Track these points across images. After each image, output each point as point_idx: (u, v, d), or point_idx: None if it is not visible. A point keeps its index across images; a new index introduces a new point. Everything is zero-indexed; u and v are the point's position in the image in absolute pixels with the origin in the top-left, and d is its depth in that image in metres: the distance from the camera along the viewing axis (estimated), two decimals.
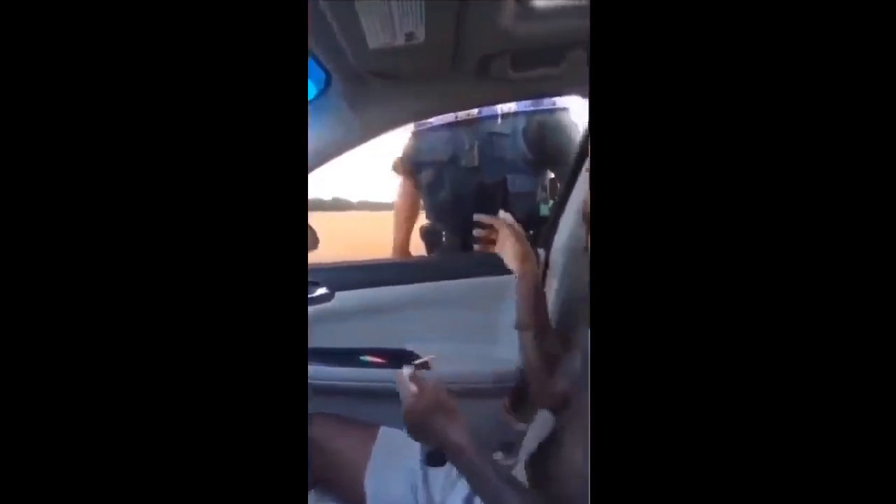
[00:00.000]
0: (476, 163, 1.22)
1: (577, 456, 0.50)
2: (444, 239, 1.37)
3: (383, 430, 0.81)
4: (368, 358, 1.02)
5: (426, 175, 1.32)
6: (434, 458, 0.60)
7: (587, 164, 1.01)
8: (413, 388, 0.60)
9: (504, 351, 1.00)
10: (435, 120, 1.24)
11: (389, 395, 1.04)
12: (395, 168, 1.38)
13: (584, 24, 0.64)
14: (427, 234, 1.41)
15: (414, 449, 0.78)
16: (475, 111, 1.21)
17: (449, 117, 1.22)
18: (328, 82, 0.72)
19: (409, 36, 0.59)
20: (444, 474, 0.74)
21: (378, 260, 1.20)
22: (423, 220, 1.42)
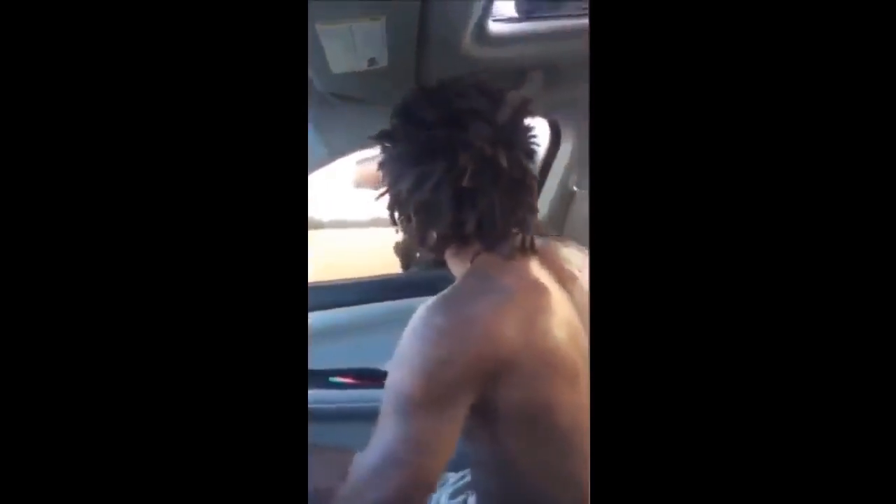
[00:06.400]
0: None
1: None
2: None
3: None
4: (338, 378, 1.00)
5: None
6: None
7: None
8: None
9: None
10: None
11: (362, 418, 1.02)
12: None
13: (541, 48, 0.67)
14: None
15: None
16: None
17: None
18: None
19: (372, 61, 0.60)
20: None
21: (350, 279, 1.19)
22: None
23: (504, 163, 0.52)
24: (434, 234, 0.58)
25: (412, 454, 0.46)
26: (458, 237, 0.57)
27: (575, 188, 1.04)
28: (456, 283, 0.55)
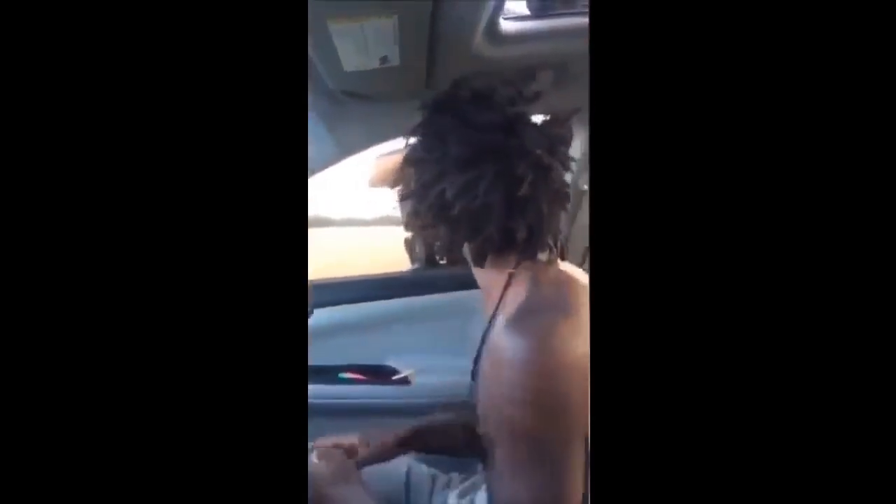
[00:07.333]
0: None
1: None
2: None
3: None
4: (347, 375, 1.01)
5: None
6: None
7: None
8: (315, 459, 0.61)
9: None
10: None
11: (371, 413, 1.04)
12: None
13: (553, 46, 0.67)
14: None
15: (399, 471, 0.77)
16: None
17: None
18: None
19: (384, 59, 0.60)
20: (428, 496, 0.74)
21: (355, 276, 1.20)
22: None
23: (560, 172, 0.53)
24: (467, 242, 0.55)
25: (573, 486, 0.46)
26: (500, 245, 0.54)
27: (585, 187, 1.03)
28: (529, 298, 0.52)
